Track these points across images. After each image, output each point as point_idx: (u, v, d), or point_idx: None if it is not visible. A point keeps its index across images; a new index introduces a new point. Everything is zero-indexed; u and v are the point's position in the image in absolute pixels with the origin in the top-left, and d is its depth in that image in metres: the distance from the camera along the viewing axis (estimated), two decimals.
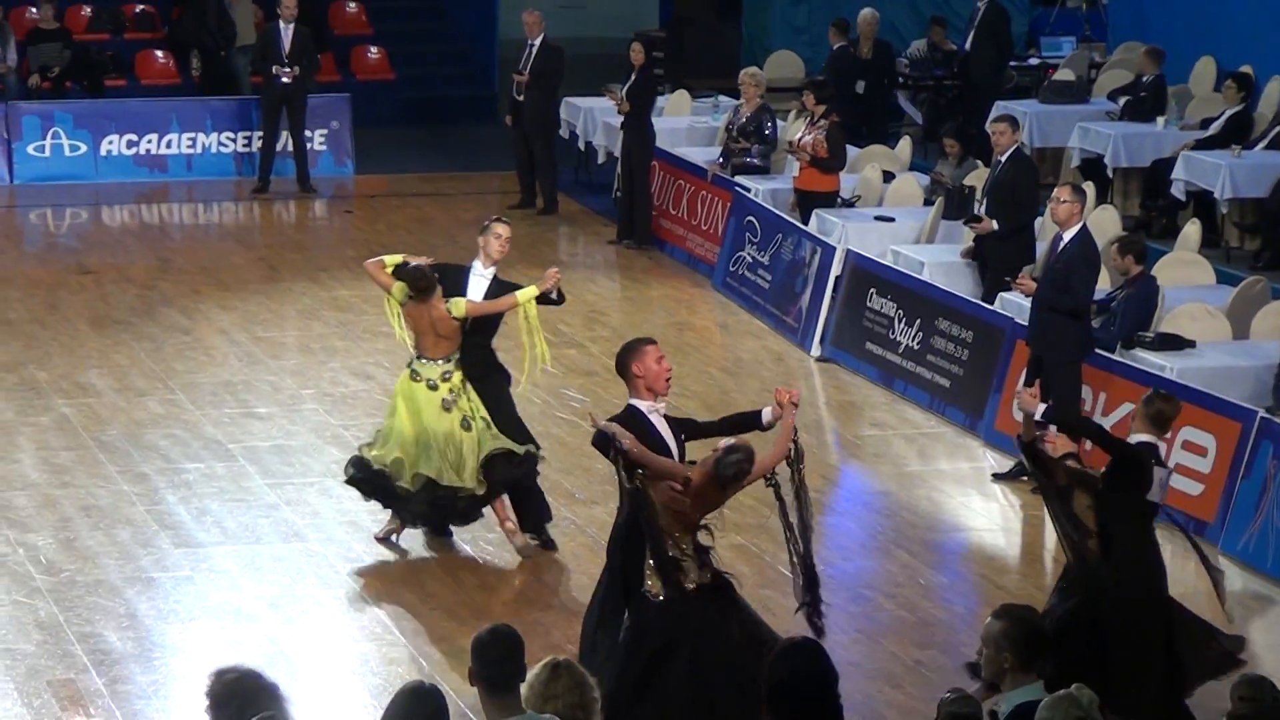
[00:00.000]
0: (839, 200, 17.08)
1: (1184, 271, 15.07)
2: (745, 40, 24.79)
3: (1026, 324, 13.19)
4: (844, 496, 13.20)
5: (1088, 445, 9.96)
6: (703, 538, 8.73)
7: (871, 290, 15.34)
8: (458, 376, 11.41)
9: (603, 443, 8.71)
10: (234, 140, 21.39)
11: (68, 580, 11.16)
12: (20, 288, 17.05)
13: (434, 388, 11.38)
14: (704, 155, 18.94)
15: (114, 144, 20.94)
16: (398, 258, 11.63)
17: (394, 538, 11.75)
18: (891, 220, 16.72)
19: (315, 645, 10.61)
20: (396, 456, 11.40)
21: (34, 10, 22.36)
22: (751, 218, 17.23)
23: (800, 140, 17.09)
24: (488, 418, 11.44)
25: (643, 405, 9.01)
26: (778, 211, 17.08)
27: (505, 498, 11.60)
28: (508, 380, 11.75)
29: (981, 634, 6.92)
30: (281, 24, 20.49)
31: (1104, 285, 13.85)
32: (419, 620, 10.79)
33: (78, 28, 23.00)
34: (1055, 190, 13.15)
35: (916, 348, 14.62)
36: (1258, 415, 12.21)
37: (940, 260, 15.52)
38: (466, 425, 11.39)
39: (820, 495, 12.47)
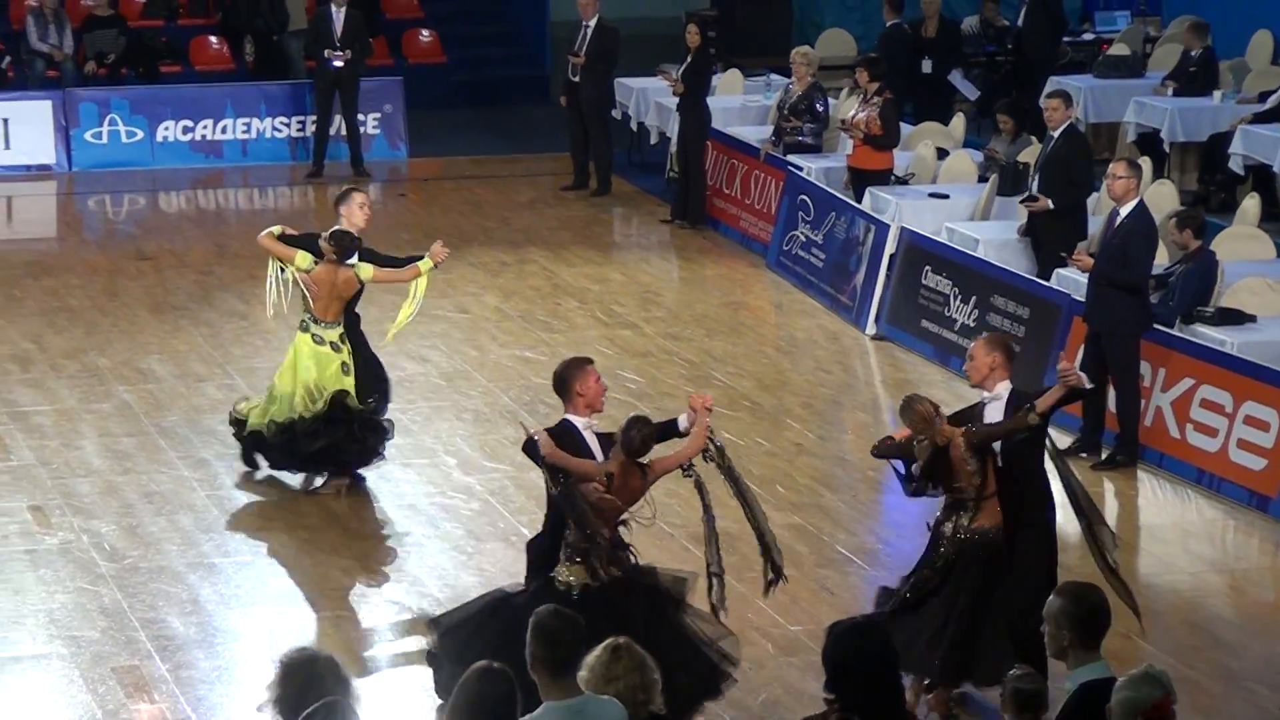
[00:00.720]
0: (892, 178, 17.04)
1: (1243, 246, 14.99)
2: (796, 18, 24.72)
3: (1084, 300, 13.14)
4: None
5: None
6: (622, 532, 9.12)
7: (926, 267, 15.30)
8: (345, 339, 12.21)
9: (531, 449, 9.11)
10: (288, 125, 21.45)
11: (130, 567, 11.24)
12: (80, 274, 17.16)
13: (337, 350, 12.06)
14: (756, 134, 18.91)
15: (170, 130, 21.04)
16: (277, 229, 12.28)
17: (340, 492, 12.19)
18: (946, 197, 16.67)
19: (376, 632, 10.65)
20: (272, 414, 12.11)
21: None
22: (804, 196, 17.20)
23: (854, 117, 17.05)
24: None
25: (579, 421, 9.29)
26: (831, 190, 17.05)
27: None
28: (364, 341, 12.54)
29: (1043, 611, 6.91)
30: (334, 8, 20.53)
31: (1161, 260, 13.78)
32: None
33: (132, 14, 23.10)
34: (1111, 166, 13.09)
35: (973, 325, 14.58)
36: None
37: (995, 237, 15.46)
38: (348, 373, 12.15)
39: (876, 474, 12.46)
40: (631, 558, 9.17)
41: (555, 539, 9.18)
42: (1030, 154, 16.23)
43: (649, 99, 20.59)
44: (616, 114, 20.86)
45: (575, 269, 17.47)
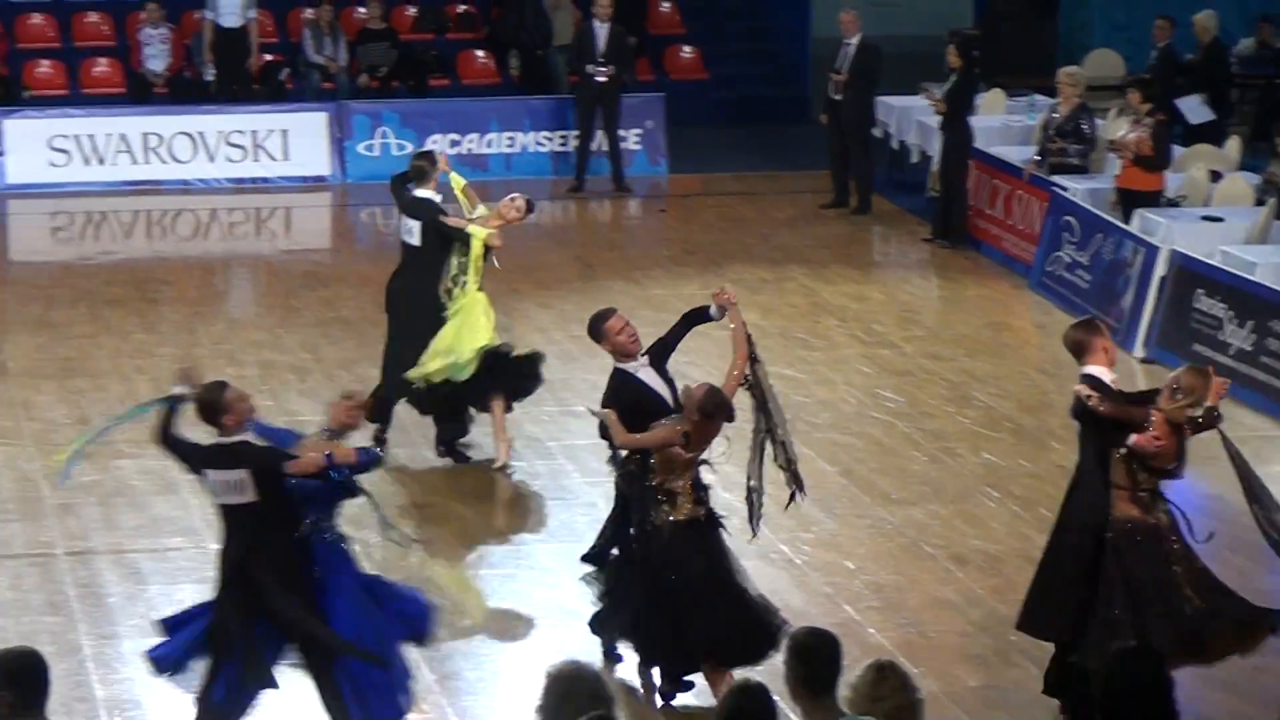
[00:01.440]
0: (1162, 200, 16.75)
1: None
2: (1062, 37, 24.39)
3: None
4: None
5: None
6: (702, 472, 9.50)
7: (1199, 290, 15.00)
8: None
9: (604, 432, 9.61)
10: (550, 139, 21.70)
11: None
12: (353, 285, 17.49)
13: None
14: (1019, 154, 18.70)
15: (438, 143, 21.37)
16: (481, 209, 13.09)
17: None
18: (1220, 220, 16.34)
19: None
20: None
21: (362, 9, 22.97)
22: (1070, 217, 16.96)
23: (1123, 137, 16.79)
24: None
25: (627, 366, 9.79)
26: (1097, 211, 16.80)
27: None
28: None
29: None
30: (597, 23, 20.73)
31: None
32: None
33: (403, 27, 23.53)
34: None
35: (1249, 350, 14.27)
36: None
37: (1272, 261, 15.12)
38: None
39: None
40: (707, 499, 9.54)
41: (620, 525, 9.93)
42: None
43: (910, 117, 20.47)
44: (877, 132, 20.77)
45: (835, 287, 17.41)
